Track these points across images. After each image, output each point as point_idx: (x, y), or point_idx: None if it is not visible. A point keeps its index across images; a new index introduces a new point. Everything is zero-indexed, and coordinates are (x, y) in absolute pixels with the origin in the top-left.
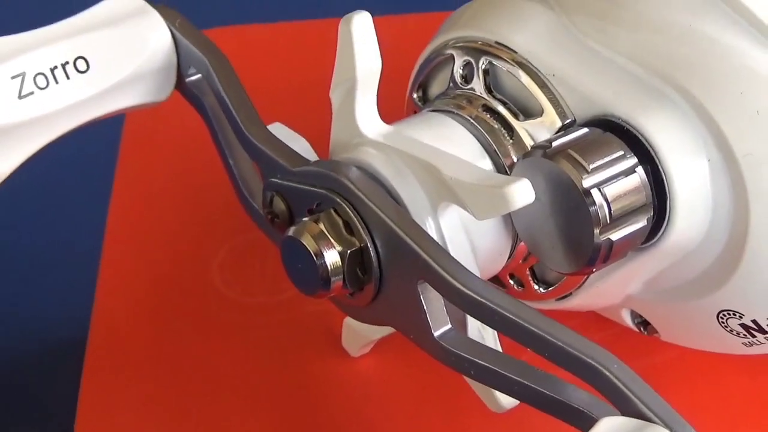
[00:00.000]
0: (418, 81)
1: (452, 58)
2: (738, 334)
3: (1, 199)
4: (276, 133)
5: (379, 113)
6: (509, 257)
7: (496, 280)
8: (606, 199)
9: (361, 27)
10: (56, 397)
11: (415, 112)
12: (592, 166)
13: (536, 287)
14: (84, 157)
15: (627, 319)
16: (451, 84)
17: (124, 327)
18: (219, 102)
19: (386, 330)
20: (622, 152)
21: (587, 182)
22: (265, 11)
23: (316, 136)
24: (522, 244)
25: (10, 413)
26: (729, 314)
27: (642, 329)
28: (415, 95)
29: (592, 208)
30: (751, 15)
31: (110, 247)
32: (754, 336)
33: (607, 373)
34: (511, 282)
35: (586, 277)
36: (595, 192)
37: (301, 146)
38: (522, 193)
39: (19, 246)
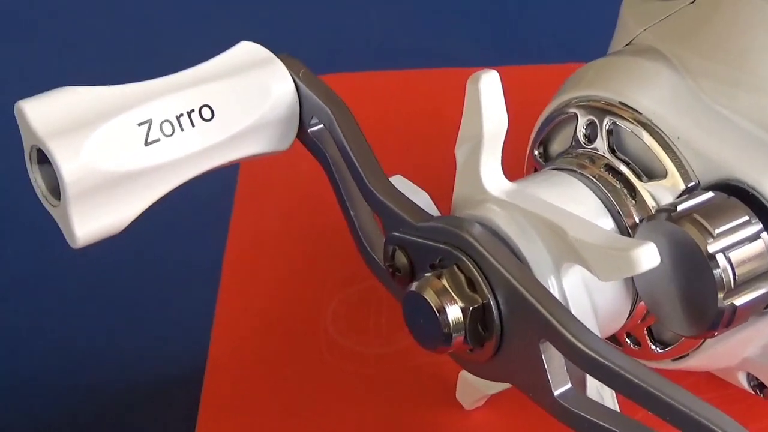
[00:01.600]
0: (540, 138)
1: (575, 116)
2: None
3: (125, 244)
4: (397, 186)
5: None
6: (629, 317)
7: (613, 338)
8: (731, 264)
9: (489, 86)
10: None
11: (536, 169)
12: (717, 231)
13: (653, 347)
14: (200, 203)
15: (743, 381)
16: (573, 143)
17: (239, 372)
18: (341, 152)
19: (502, 385)
20: (747, 217)
21: (712, 247)
22: (383, 60)
23: (436, 188)
24: (641, 304)
25: None
26: None
27: (758, 392)
28: (536, 152)
29: (716, 273)
30: None
31: (225, 291)
32: None
33: None
34: (628, 341)
35: (704, 339)
36: (720, 257)
37: (423, 200)
38: (648, 256)
39: (140, 293)
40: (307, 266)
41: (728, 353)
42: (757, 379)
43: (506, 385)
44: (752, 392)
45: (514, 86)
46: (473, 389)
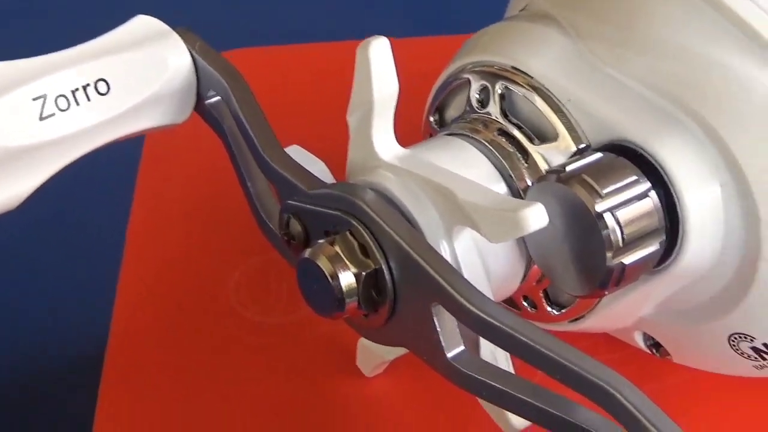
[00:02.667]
0: (435, 104)
1: (468, 82)
2: (749, 357)
3: (21, 219)
4: (294, 156)
5: (396, 136)
6: (523, 279)
7: (510, 301)
8: (619, 223)
9: (379, 52)
10: (71, 414)
11: (432, 135)
12: (605, 191)
13: (549, 309)
14: (103, 176)
15: (639, 341)
16: (467, 108)
17: (141, 345)
18: (237, 124)
19: (400, 350)
20: (636, 177)
21: (600, 206)
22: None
23: (335, 158)
24: (535, 266)
25: (26, 427)
26: (740, 337)
27: (654, 351)
28: (431, 118)
29: (604, 232)
30: (763, 40)
31: (129, 265)
32: (765, 359)
33: (619, 396)
34: (525, 304)
35: (598, 299)
36: (607, 216)
37: (319, 169)
38: (536, 217)
39: (39, 264)
40: (210, 237)
41: (623, 313)
42: (653, 339)
43: (404, 351)
44: (649, 352)
45: (414, 57)
46: (372, 355)
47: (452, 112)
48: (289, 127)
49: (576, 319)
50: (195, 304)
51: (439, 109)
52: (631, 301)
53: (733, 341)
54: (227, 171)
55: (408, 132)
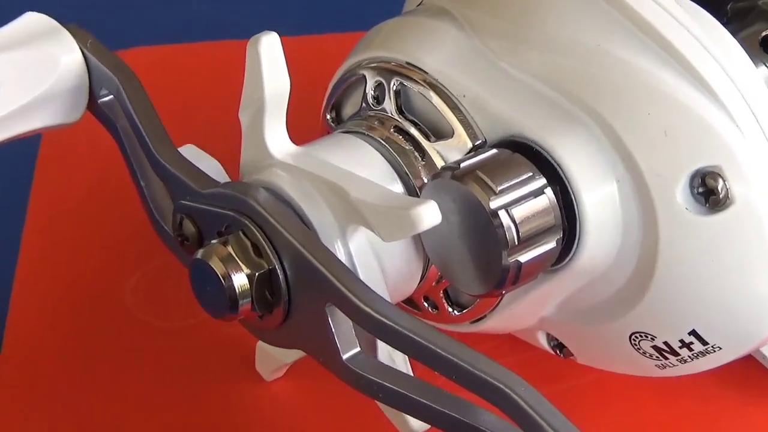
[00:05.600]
0: (332, 102)
1: (364, 78)
2: (651, 356)
3: None
4: (187, 155)
5: (292, 135)
6: (421, 280)
7: (411, 302)
8: (514, 221)
9: (269, 48)
10: None
11: (329, 133)
12: (499, 188)
13: (450, 310)
14: None
15: (543, 342)
16: (363, 105)
17: (36, 353)
18: (130, 123)
19: (299, 353)
20: (531, 173)
21: (494, 203)
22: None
23: (230, 157)
24: (434, 266)
25: None
26: (641, 336)
27: (558, 352)
28: (328, 116)
29: (499, 230)
30: (657, 34)
31: (24, 266)
32: (666, 358)
33: (514, 396)
34: (426, 305)
35: (499, 299)
36: (502, 213)
37: (213, 168)
38: (428, 215)
39: None
40: (108, 239)
41: (524, 313)
42: (556, 339)
43: (303, 353)
44: (553, 353)
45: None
46: (271, 359)
47: (349, 109)
48: (183, 126)
49: (477, 320)
50: (92, 308)
51: (336, 107)
52: (531, 301)
53: (635, 340)
54: (125, 171)
55: (308, 131)
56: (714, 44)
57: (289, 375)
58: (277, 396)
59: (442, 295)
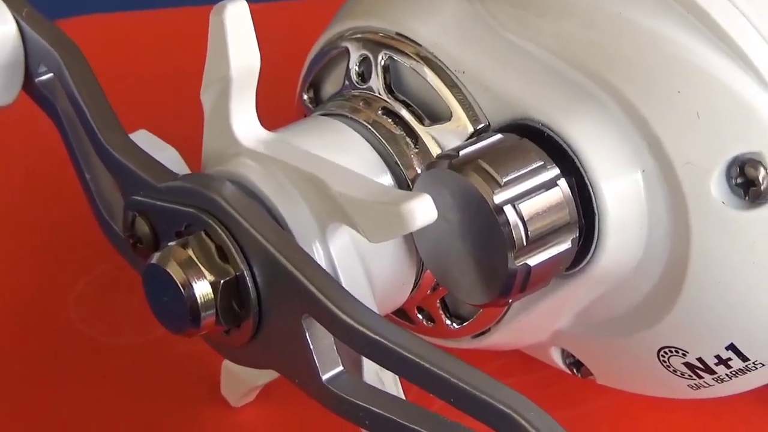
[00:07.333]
0: (309, 79)
1: (347, 52)
2: (683, 374)
3: None
4: (140, 143)
5: (262, 119)
6: (414, 287)
7: (403, 314)
8: (521, 218)
9: (236, 17)
10: None
11: (306, 116)
12: (505, 179)
13: (449, 322)
14: None
15: (557, 360)
16: (346, 83)
17: None
18: (73, 105)
19: (272, 374)
20: (542, 162)
21: (499, 198)
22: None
23: (190, 144)
24: (429, 271)
25: None
26: (671, 351)
27: (575, 371)
28: (305, 96)
29: (505, 229)
30: (689, 2)
31: None
32: (700, 377)
33: (522, 422)
34: (420, 317)
35: (505, 309)
36: (508, 209)
37: (170, 157)
38: (422, 211)
39: None
40: (48, 241)
41: (535, 326)
42: (573, 356)
43: (275, 375)
44: (569, 372)
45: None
46: (239, 381)
47: (329, 88)
48: (136, 109)
49: (480, 334)
50: (29, 322)
51: (314, 85)
52: (543, 311)
53: (664, 356)
54: (67, 162)
55: (282, 114)
56: (755, 12)
57: (260, 400)
58: (246, 424)
59: (439, 305)
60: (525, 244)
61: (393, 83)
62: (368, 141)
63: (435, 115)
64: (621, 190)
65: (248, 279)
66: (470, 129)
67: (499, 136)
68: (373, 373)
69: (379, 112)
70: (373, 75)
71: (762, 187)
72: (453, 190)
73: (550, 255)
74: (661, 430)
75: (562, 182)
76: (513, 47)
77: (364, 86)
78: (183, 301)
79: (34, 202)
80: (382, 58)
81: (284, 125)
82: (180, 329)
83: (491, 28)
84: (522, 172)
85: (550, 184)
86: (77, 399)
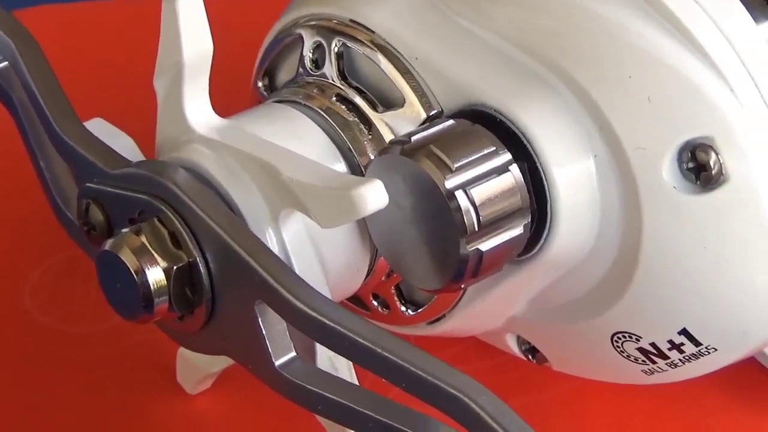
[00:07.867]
0: (264, 66)
1: (301, 39)
2: (636, 360)
3: None
4: (95, 131)
5: (216, 106)
6: (368, 274)
7: (358, 301)
8: (473, 203)
9: (188, 3)
10: None
11: (261, 104)
12: (456, 165)
13: (403, 309)
14: None
15: (513, 346)
16: (300, 70)
17: None
18: (28, 94)
19: (227, 361)
20: (494, 147)
21: (451, 183)
22: None
23: (146, 132)
24: (382, 257)
25: None
26: (625, 337)
27: (530, 357)
28: (260, 83)
29: (456, 214)
30: None
31: None
32: (654, 362)
33: (473, 406)
34: (375, 303)
35: (459, 295)
36: (460, 194)
37: (125, 145)
38: (373, 196)
39: None
40: (4, 231)
41: (490, 312)
42: (528, 342)
43: (230, 361)
44: (524, 358)
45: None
46: (194, 368)
47: (284, 75)
48: (90, 97)
49: (435, 321)
50: None
51: (269, 73)
52: (496, 297)
53: (617, 342)
54: (22, 150)
55: (236, 101)
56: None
57: (216, 387)
58: (202, 412)
59: (393, 291)
60: (477, 229)
61: (347, 70)
62: (322, 128)
63: (388, 102)
64: (573, 176)
65: (201, 265)
66: (423, 115)
67: (451, 121)
68: (326, 358)
69: (333, 98)
70: (327, 62)
71: (713, 172)
72: (405, 176)
73: (502, 240)
74: (617, 415)
75: (514, 168)
76: (466, 33)
77: (318, 73)
78: (136, 288)
79: None
80: (336, 45)
81: (238, 112)
82: (133, 316)
83: (444, 15)
84: (474, 157)
85: (502, 170)
86: (33, 387)
